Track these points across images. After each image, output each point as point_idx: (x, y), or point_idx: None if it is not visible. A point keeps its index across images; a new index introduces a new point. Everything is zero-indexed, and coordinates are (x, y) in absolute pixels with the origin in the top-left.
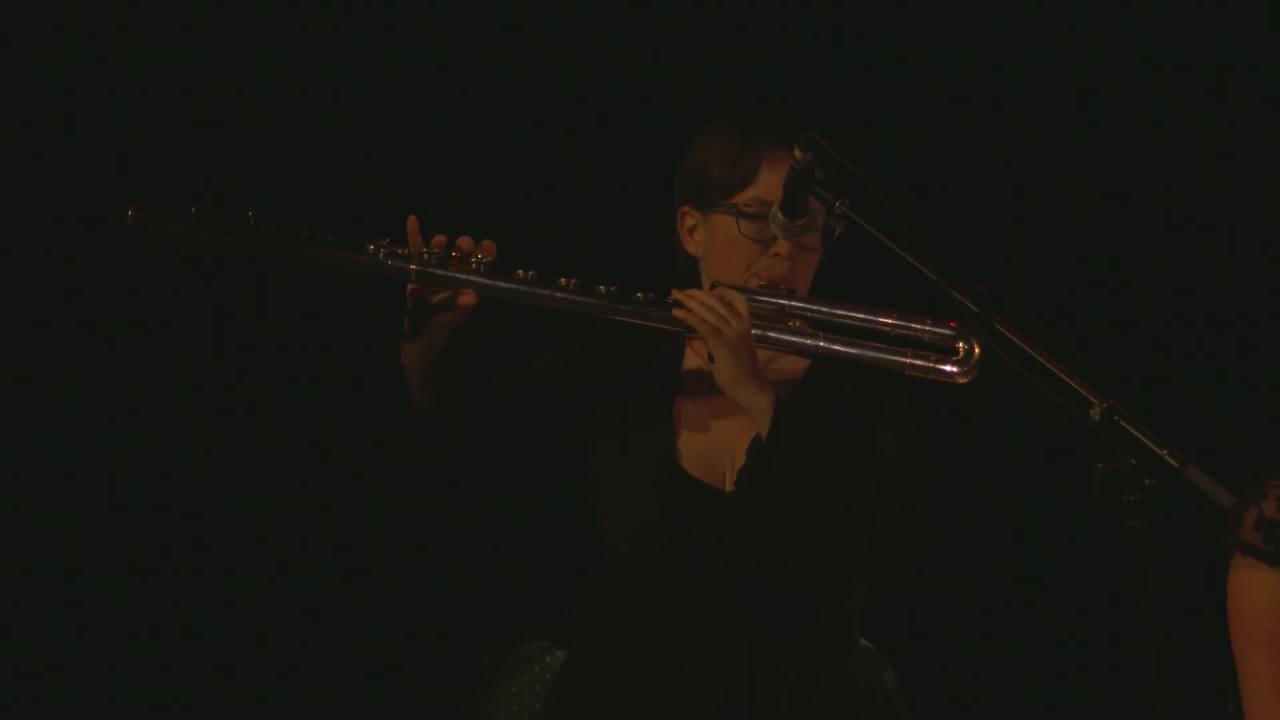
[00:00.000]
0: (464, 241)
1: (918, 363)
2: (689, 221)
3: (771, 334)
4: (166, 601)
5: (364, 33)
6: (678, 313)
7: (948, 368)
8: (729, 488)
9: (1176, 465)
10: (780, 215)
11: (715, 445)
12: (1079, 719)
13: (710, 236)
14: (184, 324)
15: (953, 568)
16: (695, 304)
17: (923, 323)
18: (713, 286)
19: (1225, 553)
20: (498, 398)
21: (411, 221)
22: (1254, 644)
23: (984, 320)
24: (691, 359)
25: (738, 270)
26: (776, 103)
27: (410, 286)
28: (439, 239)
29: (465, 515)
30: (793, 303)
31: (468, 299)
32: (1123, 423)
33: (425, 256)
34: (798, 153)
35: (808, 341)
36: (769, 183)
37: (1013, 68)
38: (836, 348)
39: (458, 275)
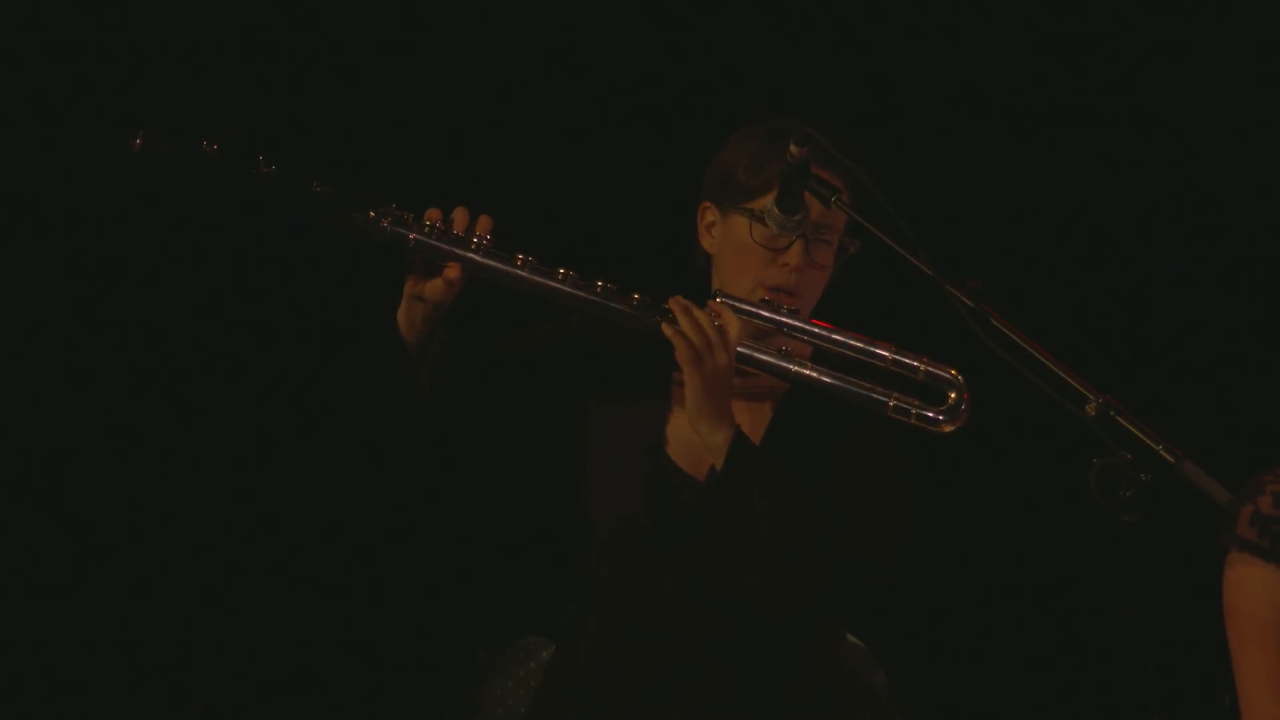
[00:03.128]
0: (459, 214)
1: (901, 405)
2: (709, 218)
3: (757, 355)
4: (164, 602)
5: (396, 20)
6: (666, 328)
7: (931, 414)
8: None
9: (1173, 461)
10: (776, 210)
11: None
12: (1077, 716)
13: (725, 236)
14: (178, 314)
15: (948, 566)
16: (686, 323)
17: (920, 359)
18: (714, 294)
19: (1221, 548)
20: (493, 369)
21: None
22: (1250, 639)
23: (980, 316)
24: None
25: (746, 274)
26: (783, 100)
27: (408, 257)
28: (432, 212)
29: (462, 511)
30: (791, 323)
31: (453, 272)
32: (1119, 418)
33: (427, 230)
34: (793, 148)
35: (791, 368)
36: None
37: (1013, 66)
38: (821, 379)
39: (456, 250)
